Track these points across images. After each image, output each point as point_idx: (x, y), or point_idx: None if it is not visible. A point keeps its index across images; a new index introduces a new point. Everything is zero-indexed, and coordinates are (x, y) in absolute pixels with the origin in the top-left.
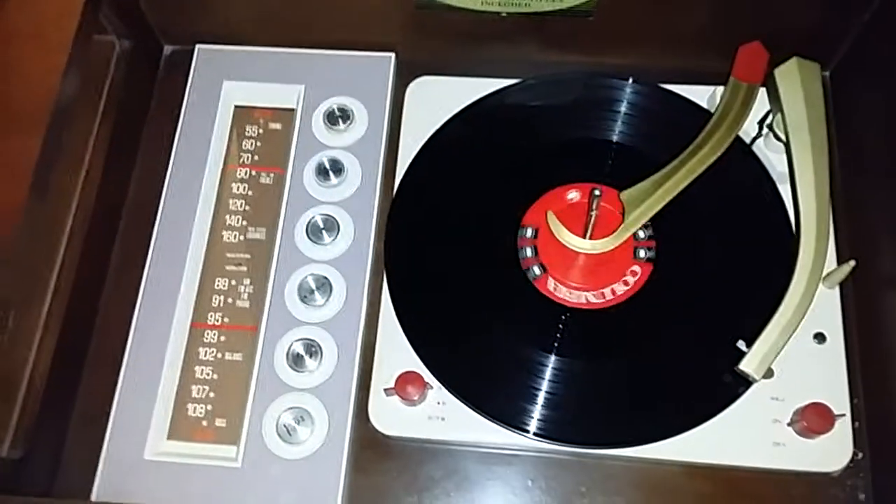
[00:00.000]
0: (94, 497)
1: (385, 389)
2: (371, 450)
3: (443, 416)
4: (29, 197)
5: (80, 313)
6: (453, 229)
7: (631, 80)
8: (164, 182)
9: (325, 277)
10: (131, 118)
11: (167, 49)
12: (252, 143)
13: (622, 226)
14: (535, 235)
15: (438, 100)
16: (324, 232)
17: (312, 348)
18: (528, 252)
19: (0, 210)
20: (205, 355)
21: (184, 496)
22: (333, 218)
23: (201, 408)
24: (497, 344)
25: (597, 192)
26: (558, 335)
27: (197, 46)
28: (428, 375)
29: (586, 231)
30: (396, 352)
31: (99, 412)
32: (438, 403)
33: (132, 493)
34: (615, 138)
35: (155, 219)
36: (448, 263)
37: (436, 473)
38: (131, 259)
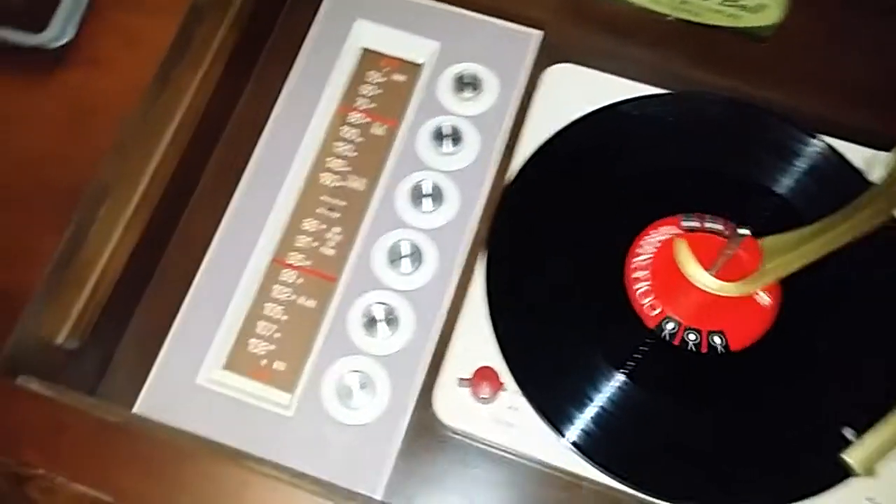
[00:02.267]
0: (136, 408)
1: (460, 379)
2: (426, 437)
3: (511, 422)
4: (151, 83)
5: (165, 217)
6: (565, 232)
7: (816, 138)
8: (273, 106)
9: (419, 246)
10: (256, 33)
11: None
12: (372, 90)
13: (757, 273)
14: (650, 258)
15: (576, 91)
16: (428, 199)
17: (390, 315)
18: (640, 275)
19: (124, 88)
20: (278, 294)
21: (228, 430)
22: (440, 187)
23: (264, 346)
24: (586, 363)
25: (743, 232)
26: (653, 369)
27: None
28: (504, 375)
29: (710, 268)
30: (476, 342)
31: (159, 324)
32: (509, 408)
33: (176, 413)
34: (761, 180)
35: (257, 141)
36: (553, 266)
37: (488, 479)
38: (225, 176)
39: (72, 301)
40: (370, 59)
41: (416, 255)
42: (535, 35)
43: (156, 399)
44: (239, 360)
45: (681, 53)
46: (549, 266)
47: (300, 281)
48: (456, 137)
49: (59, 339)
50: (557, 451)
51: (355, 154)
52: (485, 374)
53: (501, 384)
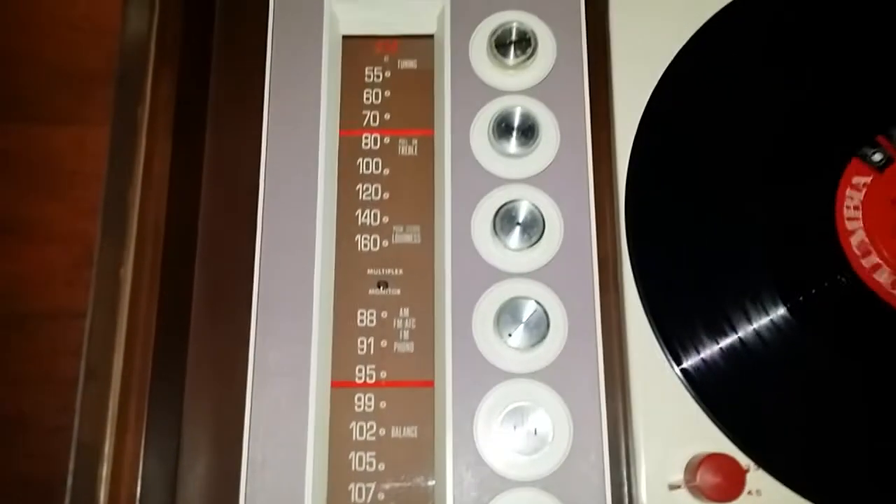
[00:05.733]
0: None
1: (672, 485)
2: None
3: None
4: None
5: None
6: (721, 201)
7: None
8: (259, 168)
9: (539, 304)
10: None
11: None
12: (377, 93)
13: None
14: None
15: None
16: (521, 229)
17: (531, 415)
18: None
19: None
20: (360, 434)
21: None
22: (537, 209)
23: None
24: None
25: None
26: None
27: None
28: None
29: None
30: (669, 410)
31: None
32: (750, 493)
33: None
34: None
35: (255, 224)
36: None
37: None
38: (225, 295)
39: None
40: (358, 48)
41: (538, 319)
42: None
43: None
44: None
45: None
46: (711, 261)
47: (382, 404)
48: (528, 127)
49: None
50: None
51: (388, 194)
52: (715, 465)
53: (744, 469)
